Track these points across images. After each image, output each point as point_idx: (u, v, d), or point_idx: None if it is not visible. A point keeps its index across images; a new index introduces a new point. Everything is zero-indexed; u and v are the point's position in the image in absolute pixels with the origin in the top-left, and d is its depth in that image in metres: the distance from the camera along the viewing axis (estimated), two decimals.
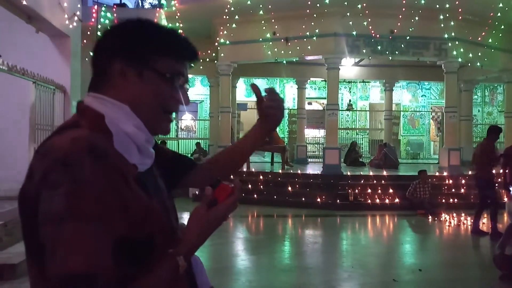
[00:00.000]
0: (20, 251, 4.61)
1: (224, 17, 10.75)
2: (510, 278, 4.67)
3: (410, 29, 10.36)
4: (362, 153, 15.17)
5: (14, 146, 6.31)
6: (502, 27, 11.28)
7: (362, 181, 10.02)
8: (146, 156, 0.98)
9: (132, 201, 0.87)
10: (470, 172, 9.77)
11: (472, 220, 7.25)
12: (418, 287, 4.74)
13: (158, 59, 0.95)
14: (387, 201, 9.41)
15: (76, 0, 7.60)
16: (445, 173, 10.51)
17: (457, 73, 11.39)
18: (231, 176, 1.31)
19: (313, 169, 11.52)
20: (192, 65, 1.04)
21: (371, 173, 10.39)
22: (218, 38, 11.60)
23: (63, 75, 7.06)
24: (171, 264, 0.89)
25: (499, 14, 10.48)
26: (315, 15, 10.44)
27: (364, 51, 10.77)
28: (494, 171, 7.17)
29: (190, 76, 1.01)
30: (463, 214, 8.34)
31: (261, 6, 10.31)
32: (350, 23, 10.36)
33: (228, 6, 10.28)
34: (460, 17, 10.61)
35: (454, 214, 8.40)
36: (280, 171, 10.91)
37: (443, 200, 9.38)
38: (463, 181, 10.03)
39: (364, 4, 10.03)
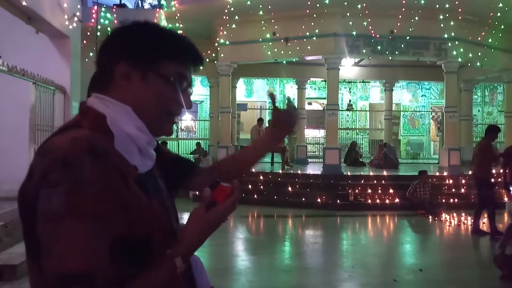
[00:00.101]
0: (21, 252, 4.61)
1: (224, 17, 10.76)
2: (510, 278, 4.67)
3: (410, 29, 10.36)
4: (362, 153, 15.18)
5: (14, 147, 6.30)
6: (502, 27, 11.28)
7: (362, 181, 10.02)
8: (147, 157, 0.98)
9: (131, 201, 0.86)
10: (470, 172, 9.77)
11: (472, 220, 7.25)
12: (419, 287, 4.74)
13: (162, 62, 0.95)
14: (387, 201, 9.41)
15: (76, 1, 7.60)
16: (445, 173, 10.51)
17: (457, 73, 11.40)
18: None
19: (313, 169, 11.52)
20: (197, 69, 1.04)
21: (371, 173, 10.40)
22: (218, 39, 11.60)
23: (63, 76, 7.05)
24: (169, 265, 0.89)
25: (499, 14, 10.48)
26: (315, 15, 10.44)
27: (364, 51, 10.77)
28: (494, 171, 7.17)
29: None
30: (463, 214, 8.34)
31: (261, 6, 10.31)
32: (350, 23, 10.36)
33: (228, 6, 10.29)
34: (460, 17, 10.62)
35: (454, 214, 8.40)
36: (280, 171, 10.91)
37: (443, 200, 9.38)
38: (463, 181, 10.03)
39: (364, 4, 10.03)
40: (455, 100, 11.68)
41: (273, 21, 10.87)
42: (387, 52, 10.83)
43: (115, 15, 10.75)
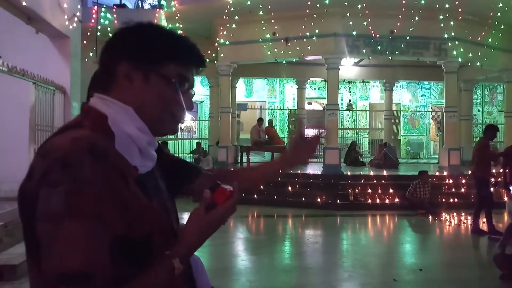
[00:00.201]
0: (21, 252, 4.61)
1: (224, 17, 10.76)
2: (510, 278, 4.67)
3: (410, 29, 10.36)
4: (362, 153, 15.17)
5: (14, 147, 6.30)
6: (502, 27, 11.28)
7: (362, 181, 10.02)
8: (147, 158, 0.98)
9: (131, 201, 0.87)
10: (470, 172, 9.78)
11: (472, 220, 7.25)
12: (419, 287, 4.75)
13: (164, 63, 0.96)
14: (387, 201, 9.41)
15: (76, 1, 7.60)
16: (445, 173, 10.51)
17: (457, 73, 11.40)
18: None
19: (313, 169, 11.51)
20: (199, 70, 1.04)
21: (371, 173, 10.40)
22: (218, 39, 11.60)
23: (63, 76, 7.05)
24: (167, 266, 0.89)
25: (499, 14, 10.48)
26: (315, 15, 10.44)
27: (364, 51, 10.77)
28: (494, 170, 7.17)
29: None
30: (463, 214, 8.35)
31: (261, 6, 10.31)
32: (350, 23, 10.36)
33: (228, 6, 10.29)
34: (460, 17, 10.62)
35: (454, 214, 8.40)
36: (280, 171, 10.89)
37: (443, 200, 9.38)
38: (463, 181, 10.03)
39: (364, 4, 10.03)
40: (455, 100, 11.69)
41: (273, 21, 10.87)
42: (387, 52, 10.83)
43: (115, 16, 10.75)
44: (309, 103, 17.53)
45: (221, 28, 11.44)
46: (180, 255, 0.91)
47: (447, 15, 10.48)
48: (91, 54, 9.22)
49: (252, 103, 16.89)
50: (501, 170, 6.84)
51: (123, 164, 0.89)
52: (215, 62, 11.82)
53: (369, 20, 10.34)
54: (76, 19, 7.40)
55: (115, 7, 12.36)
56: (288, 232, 7.72)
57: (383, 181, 9.95)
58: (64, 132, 0.88)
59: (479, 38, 11.08)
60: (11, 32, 6.67)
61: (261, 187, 10.02)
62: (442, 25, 10.56)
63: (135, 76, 0.95)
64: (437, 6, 10.12)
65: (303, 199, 9.49)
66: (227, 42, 11.44)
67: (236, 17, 10.77)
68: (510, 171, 6.40)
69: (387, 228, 8.08)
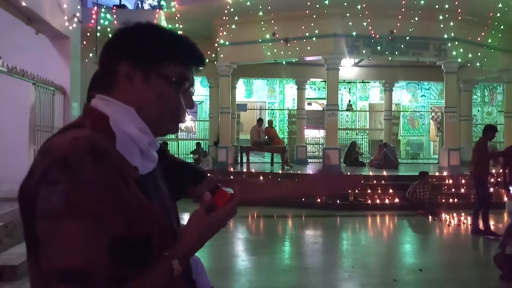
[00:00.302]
0: (21, 253, 4.61)
1: (224, 18, 10.77)
2: (510, 278, 4.67)
3: (410, 30, 10.37)
4: (362, 153, 15.18)
5: (14, 148, 6.30)
6: (502, 27, 11.29)
7: (362, 181, 10.01)
8: (148, 159, 0.98)
9: (131, 201, 0.87)
10: (469, 172, 9.79)
11: (471, 220, 7.25)
12: (419, 287, 4.75)
13: (164, 63, 0.96)
14: (387, 201, 9.41)
15: (75, 2, 7.60)
16: (444, 173, 10.52)
17: (456, 73, 11.41)
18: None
19: (313, 169, 11.52)
20: (200, 69, 1.05)
21: (371, 173, 10.40)
22: (217, 39, 11.61)
23: (63, 77, 7.05)
24: (166, 267, 0.89)
25: (498, 14, 10.49)
26: (314, 16, 10.45)
27: (363, 51, 10.78)
28: (494, 171, 7.17)
29: None
30: (463, 214, 8.34)
31: (260, 7, 10.32)
32: (350, 23, 10.37)
33: (228, 7, 10.29)
34: (459, 17, 10.63)
35: (454, 214, 8.40)
36: (280, 171, 10.91)
37: (443, 200, 9.38)
38: (463, 181, 10.03)
39: (364, 5, 10.04)
40: (455, 100, 11.70)
41: (272, 21, 10.88)
42: (386, 53, 10.84)
43: (115, 16, 10.76)
44: (309, 104, 17.54)
45: (221, 28, 11.44)
46: (179, 256, 0.90)
47: (446, 15, 10.49)
48: (91, 54, 9.22)
49: (252, 104, 16.90)
50: (501, 170, 6.84)
51: (124, 164, 0.89)
52: (215, 62, 11.82)
53: (369, 20, 10.35)
54: (76, 19, 7.40)
55: (114, 7, 12.37)
56: (288, 232, 7.72)
57: (383, 182, 9.95)
58: (65, 132, 0.88)
59: (478, 39, 11.09)
60: (11, 33, 6.66)
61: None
62: (441, 25, 10.57)
63: (135, 76, 0.95)
64: (437, 6, 10.13)
65: (303, 199, 9.48)
66: (227, 43, 11.45)
67: (236, 18, 10.77)
68: (510, 171, 6.40)
69: (387, 228, 8.08)
